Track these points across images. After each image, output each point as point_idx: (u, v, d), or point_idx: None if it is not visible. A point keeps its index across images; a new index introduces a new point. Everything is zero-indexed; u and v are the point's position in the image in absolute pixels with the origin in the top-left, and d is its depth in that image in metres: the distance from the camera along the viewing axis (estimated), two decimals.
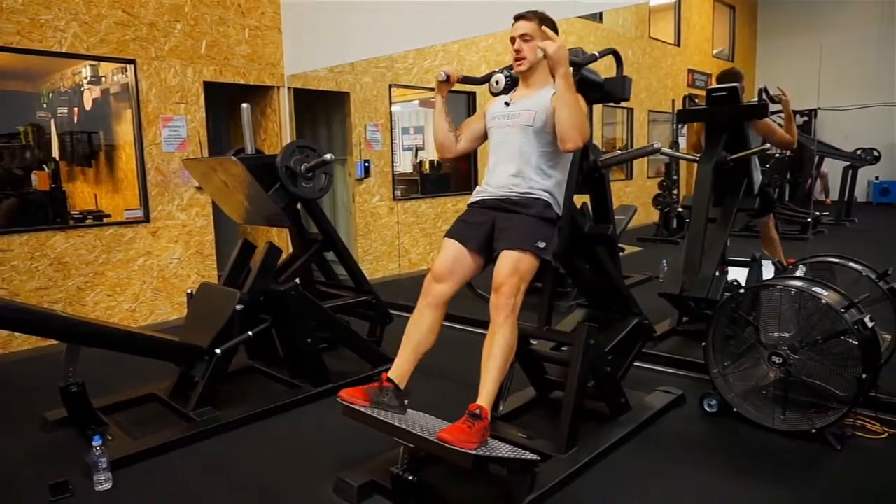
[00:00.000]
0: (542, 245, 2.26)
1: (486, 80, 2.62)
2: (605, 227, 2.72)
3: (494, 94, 2.59)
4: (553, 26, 2.46)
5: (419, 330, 2.30)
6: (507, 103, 2.49)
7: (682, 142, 10.77)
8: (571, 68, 2.38)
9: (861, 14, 12.85)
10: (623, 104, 10.32)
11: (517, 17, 2.44)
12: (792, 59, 13.78)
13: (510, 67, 2.51)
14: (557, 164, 2.42)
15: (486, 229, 2.36)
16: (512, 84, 2.55)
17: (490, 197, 2.42)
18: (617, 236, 2.85)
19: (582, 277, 2.89)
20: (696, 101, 4.51)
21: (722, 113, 3.73)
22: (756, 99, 3.85)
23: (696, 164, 3.83)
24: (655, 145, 2.72)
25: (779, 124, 4.00)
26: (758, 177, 3.85)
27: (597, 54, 2.47)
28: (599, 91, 2.59)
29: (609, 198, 2.93)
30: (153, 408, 3.18)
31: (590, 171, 2.77)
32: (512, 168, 2.39)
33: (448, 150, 2.59)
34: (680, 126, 10.22)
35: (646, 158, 11.22)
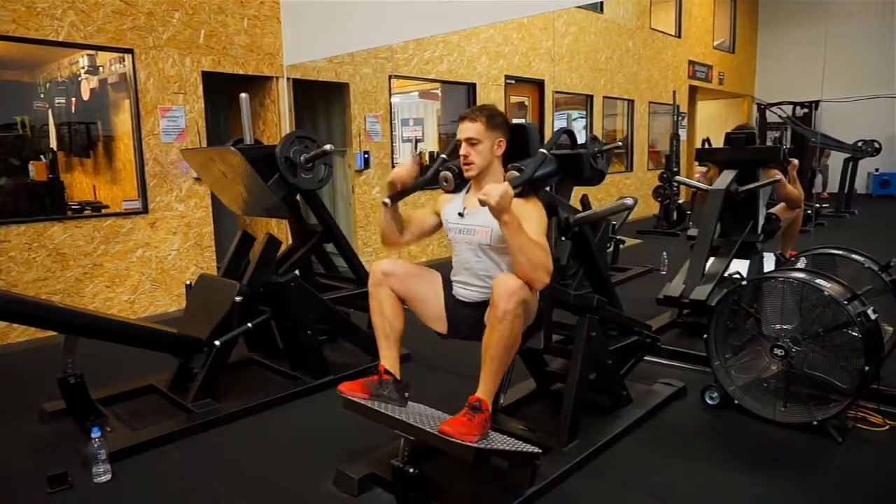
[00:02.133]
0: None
1: (433, 179, 2.41)
2: (588, 300, 2.54)
3: (446, 192, 2.43)
4: (503, 122, 2.28)
5: (382, 316, 2.26)
6: (460, 214, 2.33)
7: (683, 134, 10.77)
8: (519, 190, 2.17)
9: (861, 5, 12.78)
10: (624, 95, 10.36)
11: (462, 118, 2.26)
12: (792, 51, 13.75)
13: (454, 152, 2.33)
14: None
15: (460, 314, 2.33)
16: (463, 180, 2.38)
17: (459, 300, 2.36)
18: (606, 308, 2.69)
19: None
20: (711, 142, 4.65)
21: (738, 153, 3.87)
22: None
23: (697, 161, 3.91)
24: (628, 201, 2.56)
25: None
26: (763, 217, 3.90)
27: (545, 152, 2.26)
28: (557, 174, 2.45)
29: (595, 255, 2.76)
30: (152, 399, 3.17)
31: (564, 232, 2.61)
32: (476, 283, 2.31)
33: (393, 242, 2.43)
34: (680, 118, 10.21)
35: (646, 148, 11.21)
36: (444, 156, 2.41)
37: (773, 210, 4.14)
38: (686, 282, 3.60)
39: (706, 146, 4.62)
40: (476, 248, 2.28)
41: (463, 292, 2.36)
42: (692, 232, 3.90)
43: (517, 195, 2.14)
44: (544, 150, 2.26)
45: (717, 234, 3.75)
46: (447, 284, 2.40)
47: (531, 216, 2.16)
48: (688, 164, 12.04)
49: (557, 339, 2.89)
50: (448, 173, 2.36)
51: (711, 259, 3.68)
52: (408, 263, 2.36)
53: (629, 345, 2.87)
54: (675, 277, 3.69)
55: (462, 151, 2.25)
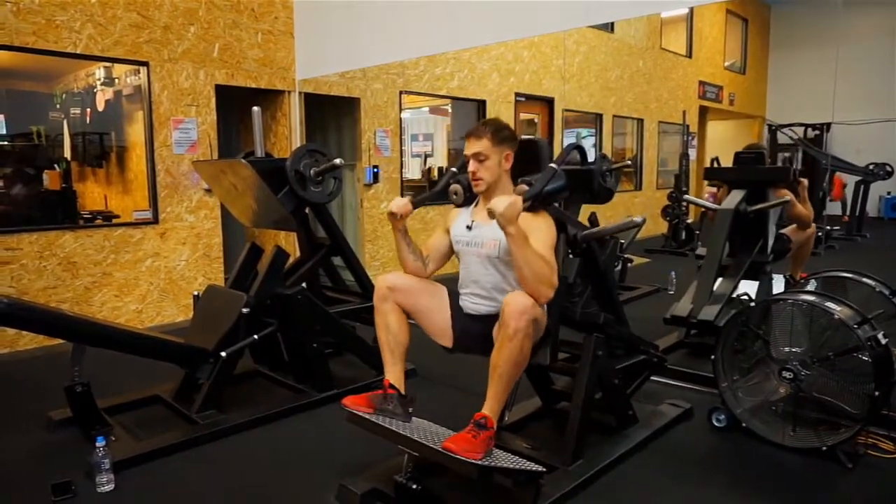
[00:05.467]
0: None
1: (443, 191, 2.46)
2: (595, 316, 2.56)
3: (456, 205, 2.48)
4: (510, 136, 2.30)
5: (387, 331, 2.26)
6: (468, 227, 2.36)
7: (693, 154, 10.75)
8: (528, 204, 2.18)
9: (874, 27, 12.79)
10: (633, 115, 10.39)
11: (468, 135, 2.28)
12: (803, 72, 13.76)
13: (464, 167, 2.35)
14: None
15: (467, 325, 2.33)
16: (472, 194, 2.41)
17: (466, 313, 2.37)
18: (613, 327, 2.71)
19: None
20: (720, 161, 4.66)
21: (747, 173, 3.86)
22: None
23: (706, 180, 3.92)
24: (637, 219, 2.56)
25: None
26: (772, 236, 3.88)
27: (555, 167, 2.27)
28: (567, 190, 2.44)
29: (602, 271, 2.75)
30: (157, 409, 3.17)
31: (572, 247, 2.62)
32: (484, 296, 2.32)
33: (420, 276, 2.41)
34: (690, 138, 10.20)
35: (655, 168, 11.20)
36: (454, 169, 2.45)
37: (784, 231, 4.11)
38: (694, 302, 3.58)
39: (715, 165, 4.61)
40: (484, 261, 2.30)
41: (471, 305, 2.36)
42: (701, 251, 3.89)
43: (527, 209, 2.16)
44: (554, 165, 2.27)
45: (725, 253, 3.74)
46: (454, 297, 2.40)
47: (539, 230, 2.17)
48: (696, 183, 12.03)
49: (564, 357, 2.89)
50: (458, 186, 2.40)
51: (720, 280, 3.66)
52: (412, 277, 2.36)
53: (635, 364, 2.86)
54: (683, 297, 3.68)
55: (470, 168, 2.27)
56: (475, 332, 2.31)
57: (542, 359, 2.41)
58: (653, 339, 3.32)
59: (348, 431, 2.36)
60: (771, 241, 3.86)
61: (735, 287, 3.58)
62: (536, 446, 2.57)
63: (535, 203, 2.23)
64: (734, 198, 3.73)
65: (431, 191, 2.48)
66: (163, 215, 4.97)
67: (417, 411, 2.26)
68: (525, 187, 2.22)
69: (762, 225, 3.77)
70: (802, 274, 4.10)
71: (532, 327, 2.03)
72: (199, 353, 3.02)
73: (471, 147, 2.26)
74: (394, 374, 2.26)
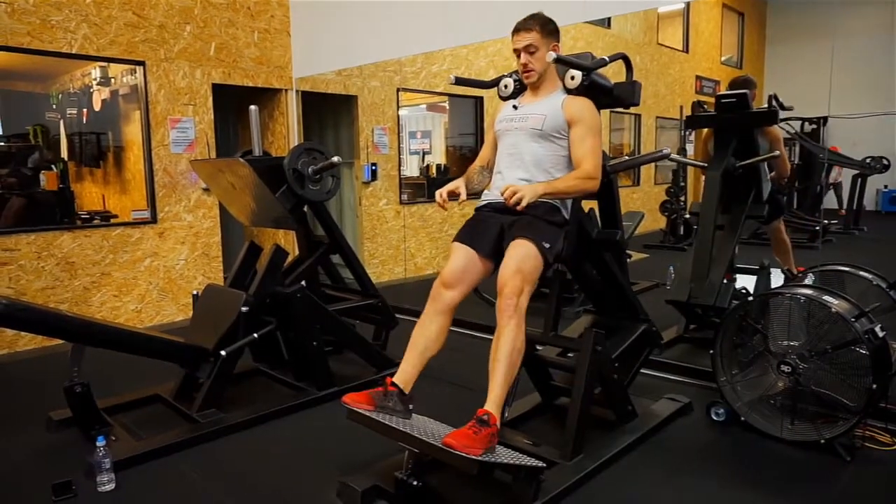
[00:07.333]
0: (546, 245, 2.24)
1: (494, 84, 2.64)
2: (613, 233, 2.69)
3: (503, 98, 2.61)
4: (555, 29, 2.44)
5: (426, 335, 2.27)
6: (515, 107, 2.50)
7: (690, 148, 10.75)
8: (579, 73, 2.36)
9: (872, 21, 12.77)
10: (631, 110, 10.38)
11: (517, 29, 2.40)
12: (801, 66, 13.70)
13: (518, 71, 2.52)
14: (566, 169, 2.41)
15: (495, 233, 2.34)
16: (521, 88, 2.56)
17: (498, 201, 2.39)
18: (625, 242, 2.82)
19: (589, 283, 2.88)
20: (705, 107, 4.46)
21: (731, 119, 3.70)
22: (766, 106, 3.83)
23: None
24: (665, 150, 2.70)
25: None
26: (766, 185, 3.84)
27: (607, 59, 2.45)
28: (609, 96, 2.57)
29: (617, 203, 2.92)
30: (157, 409, 3.18)
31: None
32: (521, 173, 2.39)
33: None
34: (688, 133, 10.20)
35: (653, 165, 11.19)
36: (506, 74, 2.65)
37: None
38: (693, 279, 3.56)
39: (700, 110, 4.39)
40: (527, 135, 2.39)
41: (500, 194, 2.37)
42: (696, 209, 3.85)
43: (573, 92, 2.35)
44: (606, 58, 2.42)
45: (719, 211, 3.69)
46: (464, 235, 2.39)
47: (583, 116, 2.35)
48: (695, 178, 12.02)
49: (561, 351, 2.89)
50: (509, 80, 2.59)
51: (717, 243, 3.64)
52: (450, 270, 2.31)
53: (634, 342, 2.85)
54: (681, 275, 3.67)
55: (522, 60, 2.40)
56: (494, 226, 2.33)
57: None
58: None
59: (348, 429, 2.36)
60: (766, 189, 3.78)
61: (734, 249, 3.56)
62: (536, 442, 2.58)
63: (581, 89, 2.39)
64: (720, 161, 3.66)
65: (486, 81, 2.73)
66: (161, 215, 4.97)
67: (418, 408, 2.26)
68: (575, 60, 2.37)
69: (754, 173, 3.70)
70: (800, 268, 4.10)
71: (525, 307, 2.14)
72: (199, 352, 3.02)
73: (521, 40, 2.37)
74: (407, 372, 2.26)
